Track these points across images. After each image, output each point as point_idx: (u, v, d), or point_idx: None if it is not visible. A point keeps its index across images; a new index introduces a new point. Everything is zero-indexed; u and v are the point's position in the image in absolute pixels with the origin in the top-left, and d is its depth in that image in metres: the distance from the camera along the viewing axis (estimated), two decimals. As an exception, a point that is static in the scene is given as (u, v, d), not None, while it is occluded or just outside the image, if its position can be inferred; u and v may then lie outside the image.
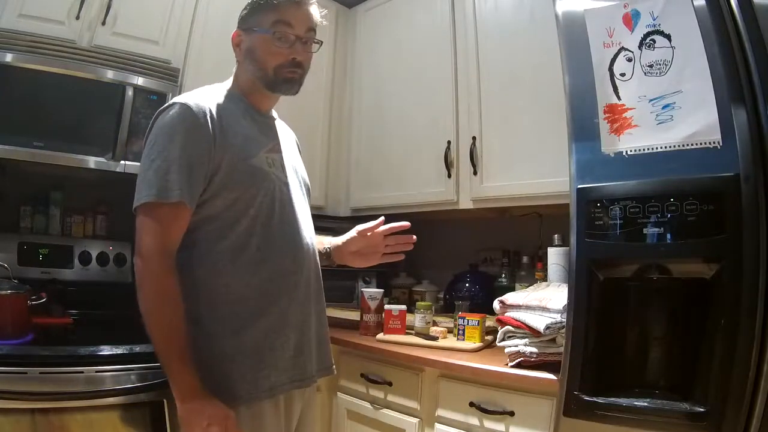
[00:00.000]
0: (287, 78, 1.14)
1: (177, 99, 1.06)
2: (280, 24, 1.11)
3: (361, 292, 1.80)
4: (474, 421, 1.33)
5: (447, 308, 2.02)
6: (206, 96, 1.09)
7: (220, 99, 1.11)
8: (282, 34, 1.11)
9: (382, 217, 1.32)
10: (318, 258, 1.23)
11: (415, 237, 1.32)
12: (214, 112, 1.06)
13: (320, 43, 1.21)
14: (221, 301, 1.05)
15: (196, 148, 1.02)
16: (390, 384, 1.55)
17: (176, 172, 1.00)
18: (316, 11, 1.18)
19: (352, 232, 1.33)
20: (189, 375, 0.97)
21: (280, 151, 1.19)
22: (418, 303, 1.76)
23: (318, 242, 1.32)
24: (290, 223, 1.14)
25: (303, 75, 1.17)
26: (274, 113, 1.28)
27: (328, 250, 1.35)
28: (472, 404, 1.32)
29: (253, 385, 1.04)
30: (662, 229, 0.97)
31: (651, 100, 1.02)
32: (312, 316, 1.17)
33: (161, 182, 1.00)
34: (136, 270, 1.02)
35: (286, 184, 1.16)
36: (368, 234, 1.31)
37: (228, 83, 1.20)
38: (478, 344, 1.51)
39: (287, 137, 1.29)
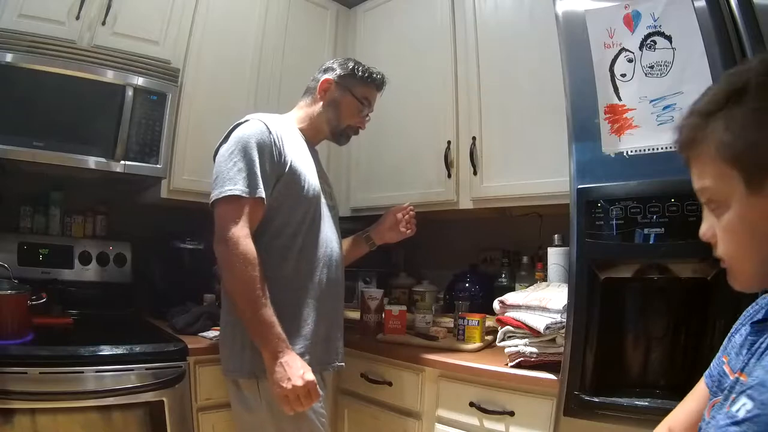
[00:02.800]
0: (348, 136, 1.50)
1: (252, 116, 1.32)
2: (366, 100, 1.47)
3: (361, 292, 1.80)
4: (474, 421, 1.33)
5: (447, 308, 2.02)
6: (277, 120, 1.37)
7: (284, 125, 1.38)
8: (364, 107, 1.47)
9: (410, 204, 1.64)
10: (343, 263, 1.48)
11: (410, 206, 1.64)
12: (280, 132, 1.31)
13: (369, 119, 1.53)
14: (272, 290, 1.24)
15: (266, 157, 1.26)
16: (390, 384, 1.55)
17: (256, 173, 1.23)
18: None
19: (387, 213, 1.64)
20: (280, 336, 1.19)
21: (323, 176, 1.46)
22: (418, 303, 1.76)
23: (353, 237, 1.64)
24: (325, 232, 1.39)
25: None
26: None
27: (367, 234, 1.64)
28: (472, 404, 1.33)
29: None
30: (663, 229, 0.97)
31: (652, 101, 1.02)
32: (332, 314, 1.40)
33: (246, 180, 1.22)
34: (221, 255, 1.21)
35: (324, 203, 1.42)
36: (396, 213, 1.62)
37: (289, 116, 1.47)
38: (478, 344, 1.51)
39: (324, 169, 1.55)
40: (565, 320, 1.15)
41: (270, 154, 1.26)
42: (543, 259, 1.68)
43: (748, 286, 0.64)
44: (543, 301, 1.27)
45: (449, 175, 1.87)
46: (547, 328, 1.22)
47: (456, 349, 1.49)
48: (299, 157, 1.35)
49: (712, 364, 0.74)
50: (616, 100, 1.06)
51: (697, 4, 0.97)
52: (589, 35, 1.11)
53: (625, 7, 1.06)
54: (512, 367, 1.28)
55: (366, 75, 1.46)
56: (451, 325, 1.65)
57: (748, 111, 0.55)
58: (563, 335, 1.16)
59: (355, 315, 1.85)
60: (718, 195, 0.59)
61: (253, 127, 1.27)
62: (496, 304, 1.38)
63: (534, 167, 1.62)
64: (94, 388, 1.30)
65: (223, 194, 1.21)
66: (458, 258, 2.16)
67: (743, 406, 0.53)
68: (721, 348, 0.73)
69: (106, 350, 1.35)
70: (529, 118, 1.66)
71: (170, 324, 1.69)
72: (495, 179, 1.75)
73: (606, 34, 1.08)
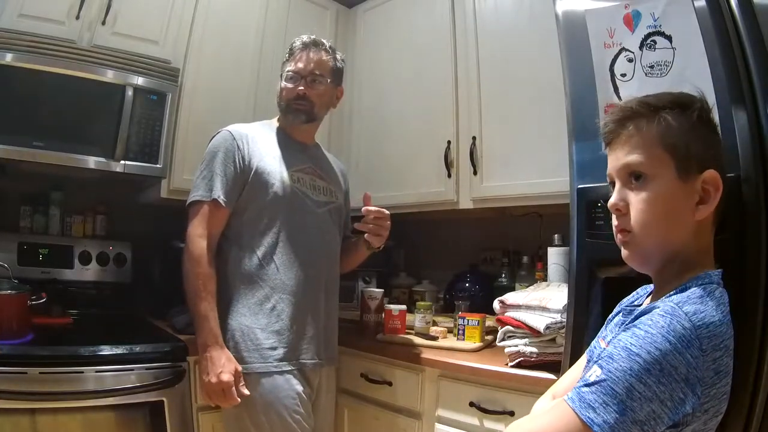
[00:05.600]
0: (293, 109, 1.46)
1: (226, 127, 1.43)
2: (291, 69, 1.46)
3: (361, 292, 1.80)
4: (474, 421, 1.33)
5: (447, 308, 2.02)
6: (249, 126, 1.47)
7: (260, 128, 1.48)
8: (291, 75, 1.46)
9: (365, 193, 1.49)
10: (335, 261, 1.52)
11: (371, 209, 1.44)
12: (249, 137, 1.41)
13: (326, 83, 1.48)
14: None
15: (231, 163, 1.36)
16: (390, 384, 1.55)
17: (214, 179, 1.35)
18: (323, 57, 1.48)
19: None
20: (212, 330, 1.28)
21: (309, 173, 1.49)
22: (418, 303, 1.76)
23: (351, 241, 1.61)
24: (305, 229, 1.42)
25: (311, 107, 1.47)
26: (321, 147, 1.63)
27: (365, 239, 1.52)
28: (472, 404, 1.33)
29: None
30: (662, 229, 0.97)
31: (652, 101, 1.01)
32: (313, 311, 1.42)
33: (206, 186, 1.35)
34: (184, 249, 1.34)
35: (310, 198, 1.45)
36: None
37: (274, 120, 1.55)
38: (478, 344, 1.51)
39: (327, 165, 1.60)
40: (565, 320, 1.15)
41: (233, 159, 1.37)
42: (543, 259, 1.68)
43: (642, 260, 0.77)
44: (543, 301, 1.27)
45: (449, 175, 1.87)
46: (547, 327, 1.22)
47: (456, 349, 1.49)
48: (270, 158, 1.42)
49: (592, 343, 0.89)
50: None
51: (697, 4, 0.97)
52: (589, 35, 1.10)
53: (625, 7, 1.06)
54: (512, 366, 1.28)
55: (288, 54, 1.50)
56: (451, 325, 1.65)
57: (692, 121, 0.72)
58: (563, 335, 1.16)
59: (355, 315, 1.85)
60: (647, 170, 0.73)
61: (218, 137, 1.41)
62: (496, 304, 1.38)
63: (534, 167, 1.62)
64: (94, 388, 1.30)
65: (189, 200, 1.37)
66: (458, 258, 2.16)
67: (594, 372, 0.64)
68: (600, 331, 0.88)
69: (106, 350, 1.35)
70: (529, 119, 1.66)
71: (170, 324, 1.69)
72: (495, 179, 1.75)
73: (606, 34, 1.08)
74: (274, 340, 1.33)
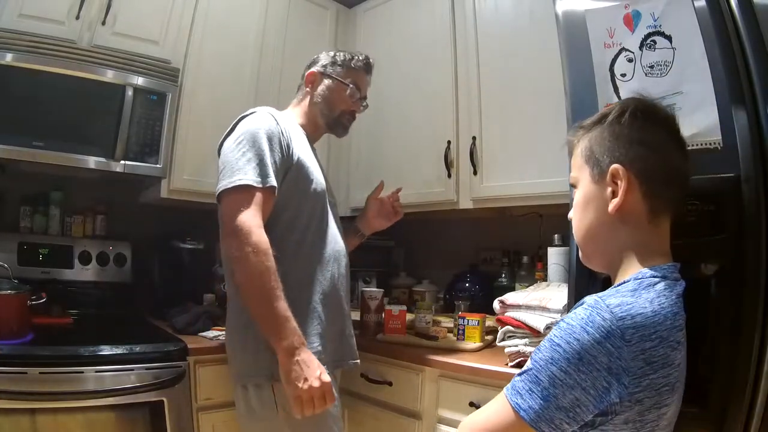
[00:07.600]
0: (344, 124, 1.48)
1: (259, 108, 1.29)
2: (354, 83, 1.46)
3: (361, 292, 1.80)
4: (474, 421, 1.33)
5: (447, 308, 2.02)
6: (280, 114, 1.34)
7: (288, 120, 1.37)
8: (354, 91, 1.45)
9: (382, 180, 1.61)
10: (348, 260, 1.45)
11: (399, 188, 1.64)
12: (285, 127, 1.29)
13: (367, 105, 1.54)
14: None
15: (278, 147, 1.24)
16: (390, 384, 1.55)
17: (266, 163, 1.19)
18: (370, 82, 1.54)
19: (367, 202, 1.63)
20: (296, 331, 1.13)
21: (324, 174, 1.44)
22: (418, 303, 1.76)
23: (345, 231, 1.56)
24: (332, 228, 1.38)
25: (351, 124, 1.51)
26: None
27: (356, 227, 1.61)
28: (472, 404, 1.33)
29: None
30: (662, 229, 0.97)
31: (652, 101, 1.01)
32: (345, 310, 1.39)
33: (256, 170, 1.17)
34: (231, 247, 1.14)
35: (327, 199, 1.40)
36: (376, 198, 1.61)
37: (289, 112, 1.46)
38: (478, 344, 1.51)
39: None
40: (565, 320, 1.14)
41: (279, 145, 1.23)
42: (543, 259, 1.68)
43: (586, 259, 0.85)
44: (543, 301, 1.27)
45: (449, 175, 1.87)
46: (547, 327, 1.22)
47: (456, 349, 1.49)
48: (304, 152, 1.33)
49: None
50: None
51: (697, 4, 0.97)
52: (589, 35, 1.10)
53: (625, 7, 1.06)
54: (512, 366, 1.28)
55: (348, 59, 1.46)
56: (451, 325, 1.65)
57: (602, 130, 0.80)
58: (563, 335, 1.16)
59: (355, 315, 1.85)
60: (575, 180, 0.84)
61: (261, 117, 1.25)
62: (496, 304, 1.38)
63: (534, 167, 1.62)
64: (94, 388, 1.30)
65: (233, 184, 1.16)
66: (458, 258, 2.16)
67: (527, 364, 0.70)
68: None
69: (106, 350, 1.35)
70: (529, 118, 1.66)
71: (170, 324, 1.69)
72: (495, 179, 1.75)
73: (606, 34, 1.07)
74: (317, 343, 1.24)
